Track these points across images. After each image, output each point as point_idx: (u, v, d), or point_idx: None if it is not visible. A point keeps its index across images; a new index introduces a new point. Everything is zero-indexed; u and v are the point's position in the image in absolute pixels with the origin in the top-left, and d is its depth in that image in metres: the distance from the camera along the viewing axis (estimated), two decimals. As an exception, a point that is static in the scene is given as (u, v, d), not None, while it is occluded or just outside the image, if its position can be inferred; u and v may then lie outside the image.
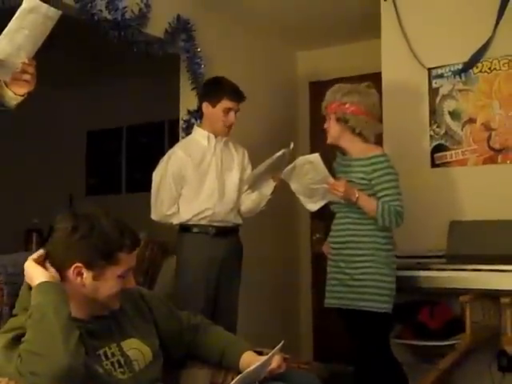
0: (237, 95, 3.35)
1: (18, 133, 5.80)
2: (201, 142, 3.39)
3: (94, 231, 1.79)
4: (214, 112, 3.34)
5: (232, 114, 3.34)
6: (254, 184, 3.36)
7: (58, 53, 4.96)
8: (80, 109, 6.43)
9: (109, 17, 3.57)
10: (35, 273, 1.76)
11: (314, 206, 3.17)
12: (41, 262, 1.80)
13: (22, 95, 2.19)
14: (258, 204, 3.44)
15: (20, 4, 2.00)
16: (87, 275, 1.79)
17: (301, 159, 3.05)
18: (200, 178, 3.31)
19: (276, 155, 3.16)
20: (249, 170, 3.48)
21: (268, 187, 3.37)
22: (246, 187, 3.41)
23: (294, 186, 3.14)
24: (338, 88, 3.11)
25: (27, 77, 2.12)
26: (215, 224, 3.33)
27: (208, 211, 3.30)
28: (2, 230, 5.10)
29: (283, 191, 3.21)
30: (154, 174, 3.38)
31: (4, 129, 5.47)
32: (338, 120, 3.06)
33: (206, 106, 3.37)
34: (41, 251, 1.83)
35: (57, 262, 1.80)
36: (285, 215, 4.86)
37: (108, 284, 1.82)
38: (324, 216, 3.24)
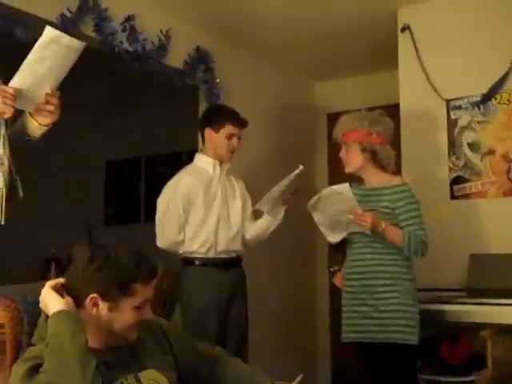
0: (239, 121, 3.37)
1: (37, 161, 5.84)
2: (206, 168, 3.37)
3: (109, 262, 1.78)
4: (217, 138, 3.34)
5: (235, 139, 3.35)
6: (270, 207, 3.32)
7: (79, 82, 5.02)
8: (99, 138, 6.47)
9: (129, 48, 3.62)
10: (51, 300, 1.76)
11: (335, 238, 3.12)
12: (58, 289, 1.80)
13: (46, 125, 2.22)
14: (266, 231, 3.40)
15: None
16: (103, 306, 1.78)
17: (327, 190, 3.03)
18: (207, 205, 3.27)
19: (291, 176, 3.14)
20: (249, 201, 3.46)
21: (279, 211, 3.33)
22: (264, 208, 3.34)
23: (317, 218, 3.11)
24: (361, 116, 3.08)
25: (51, 107, 2.14)
26: (220, 256, 3.27)
27: (214, 240, 3.24)
28: (21, 259, 5.11)
29: (300, 221, 3.18)
30: (160, 200, 3.32)
31: (24, 156, 5.52)
32: (364, 150, 3.03)
33: (208, 133, 3.37)
34: (60, 279, 1.83)
35: (74, 292, 1.80)
36: (301, 246, 4.84)
37: (124, 315, 1.81)
38: (342, 247, 3.20)
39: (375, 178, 3.07)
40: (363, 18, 4.07)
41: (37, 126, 2.20)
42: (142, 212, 6.44)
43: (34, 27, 3.00)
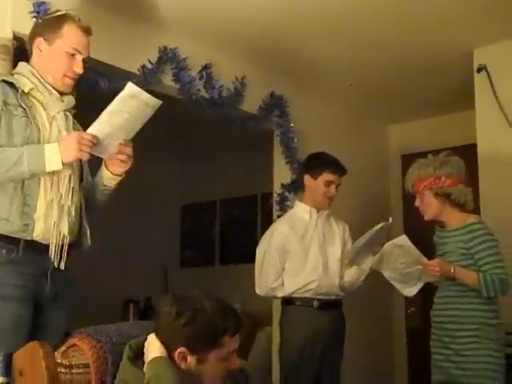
0: (338, 168, 3.41)
1: (117, 207, 6.01)
2: (303, 216, 3.44)
3: (197, 317, 1.79)
4: (315, 184, 3.40)
5: (333, 186, 3.40)
6: (354, 259, 3.36)
7: (157, 129, 5.18)
8: (174, 183, 6.62)
9: (206, 96, 3.73)
10: (154, 346, 1.80)
11: (411, 291, 3.13)
12: None
13: (120, 175, 2.35)
14: (357, 279, 3.46)
15: (122, 88, 2.13)
16: (191, 359, 1.79)
17: (388, 245, 3.03)
18: (303, 252, 3.35)
19: (375, 228, 3.16)
20: (349, 245, 3.49)
21: (367, 262, 3.35)
22: (346, 262, 3.40)
23: (386, 274, 3.13)
24: (426, 163, 3.07)
25: (123, 157, 2.27)
26: (319, 297, 3.33)
27: (313, 283, 3.32)
28: (103, 301, 5.24)
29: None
30: (258, 249, 3.43)
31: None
32: (437, 195, 3.01)
33: (307, 179, 3.44)
34: None
35: (163, 345, 1.81)
36: (377, 287, 4.75)
37: (212, 367, 1.81)
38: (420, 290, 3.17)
39: (454, 220, 3.05)
40: (437, 60, 4.05)
41: (110, 176, 2.34)
42: (217, 255, 6.52)
43: (117, 79, 3.15)
